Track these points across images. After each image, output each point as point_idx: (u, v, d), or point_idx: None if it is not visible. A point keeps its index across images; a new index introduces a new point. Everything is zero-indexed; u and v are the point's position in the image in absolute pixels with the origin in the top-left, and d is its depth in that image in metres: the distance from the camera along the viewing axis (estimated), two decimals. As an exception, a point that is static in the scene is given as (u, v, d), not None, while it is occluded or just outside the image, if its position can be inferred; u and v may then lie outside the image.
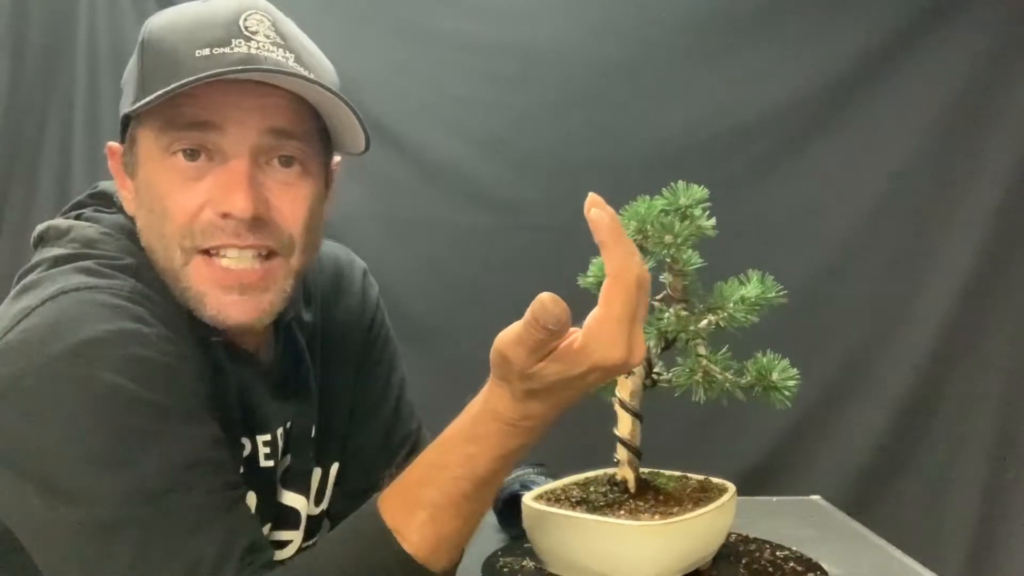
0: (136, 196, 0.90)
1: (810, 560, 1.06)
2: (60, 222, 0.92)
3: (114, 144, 0.94)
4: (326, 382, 1.06)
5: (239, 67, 0.82)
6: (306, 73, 0.85)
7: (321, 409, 1.05)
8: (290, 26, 0.91)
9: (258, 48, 0.85)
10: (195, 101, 0.84)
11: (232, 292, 0.87)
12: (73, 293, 0.80)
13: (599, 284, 0.97)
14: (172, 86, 0.81)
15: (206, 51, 0.84)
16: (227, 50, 0.84)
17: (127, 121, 0.89)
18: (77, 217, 0.93)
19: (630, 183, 1.02)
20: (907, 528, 2.04)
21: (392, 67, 2.08)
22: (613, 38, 2.12)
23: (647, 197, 0.96)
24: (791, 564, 1.04)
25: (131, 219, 0.93)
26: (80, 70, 2.02)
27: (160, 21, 0.89)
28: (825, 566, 1.05)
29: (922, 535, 2.08)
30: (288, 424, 1.00)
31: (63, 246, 0.88)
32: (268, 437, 0.96)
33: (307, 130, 0.90)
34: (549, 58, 2.11)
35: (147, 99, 0.83)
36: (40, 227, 0.93)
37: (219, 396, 0.89)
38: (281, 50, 0.86)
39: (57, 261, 0.86)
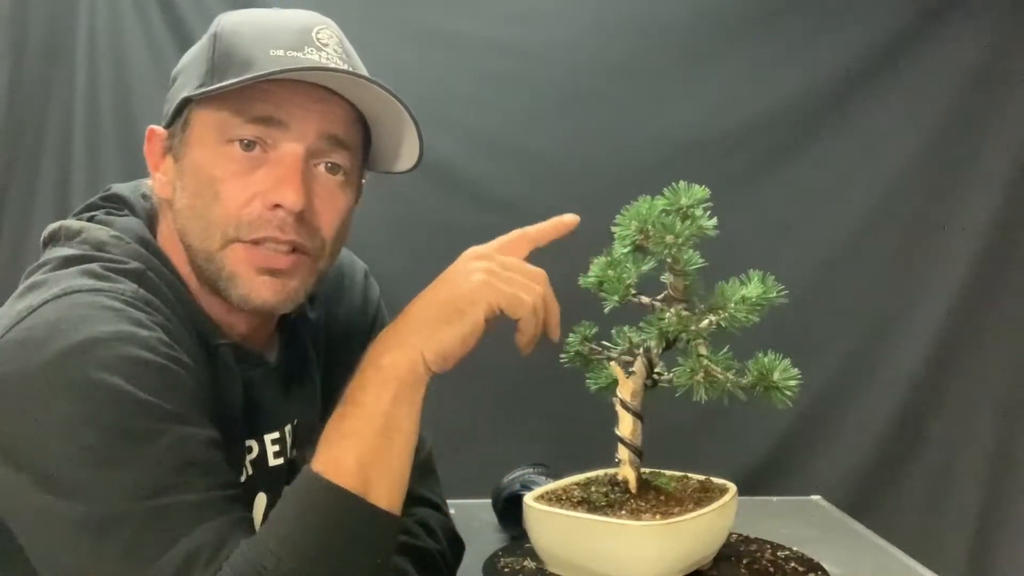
0: (179, 179, 0.92)
1: (811, 560, 1.06)
2: (72, 223, 0.94)
3: (157, 128, 0.96)
4: (328, 381, 1.07)
5: (318, 67, 0.87)
6: (383, 83, 0.89)
7: (323, 407, 1.05)
8: (350, 47, 0.96)
9: (327, 59, 0.90)
10: (267, 96, 0.88)
11: (263, 273, 0.90)
12: (76, 295, 0.81)
13: (600, 284, 0.98)
14: (259, 74, 0.84)
15: (280, 52, 0.88)
16: (300, 54, 0.88)
17: (183, 104, 0.91)
18: (90, 219, 0.95)
19: (631, 183, 1.03)
20: (907, 528, 2.04)
21: (392, 67, 2.07)
22: (613, 38, 2.12)
23: (648, 197, 0.96)
24: (792, 564, 1.04)
25: (148, 217, 0.95)
26: (80, 70, 2.02)
27: (234, 19, 0.93)
28: (826, 566, 1.05)
29: (922, 535, 2.08)
30: (295, 421, 1.01)
31: (73, 247, 0.90)
32: (276, 435, 0.98)
33: (356, 143, 0.95)
34: (549, 58, 2.11)
35: (224, 83, 0.86)
36: (51, 227, 0.94)
37: (225, 399, 0.90)
38: (346, 65, 0.91)
39: (64, 262, 0.87)
